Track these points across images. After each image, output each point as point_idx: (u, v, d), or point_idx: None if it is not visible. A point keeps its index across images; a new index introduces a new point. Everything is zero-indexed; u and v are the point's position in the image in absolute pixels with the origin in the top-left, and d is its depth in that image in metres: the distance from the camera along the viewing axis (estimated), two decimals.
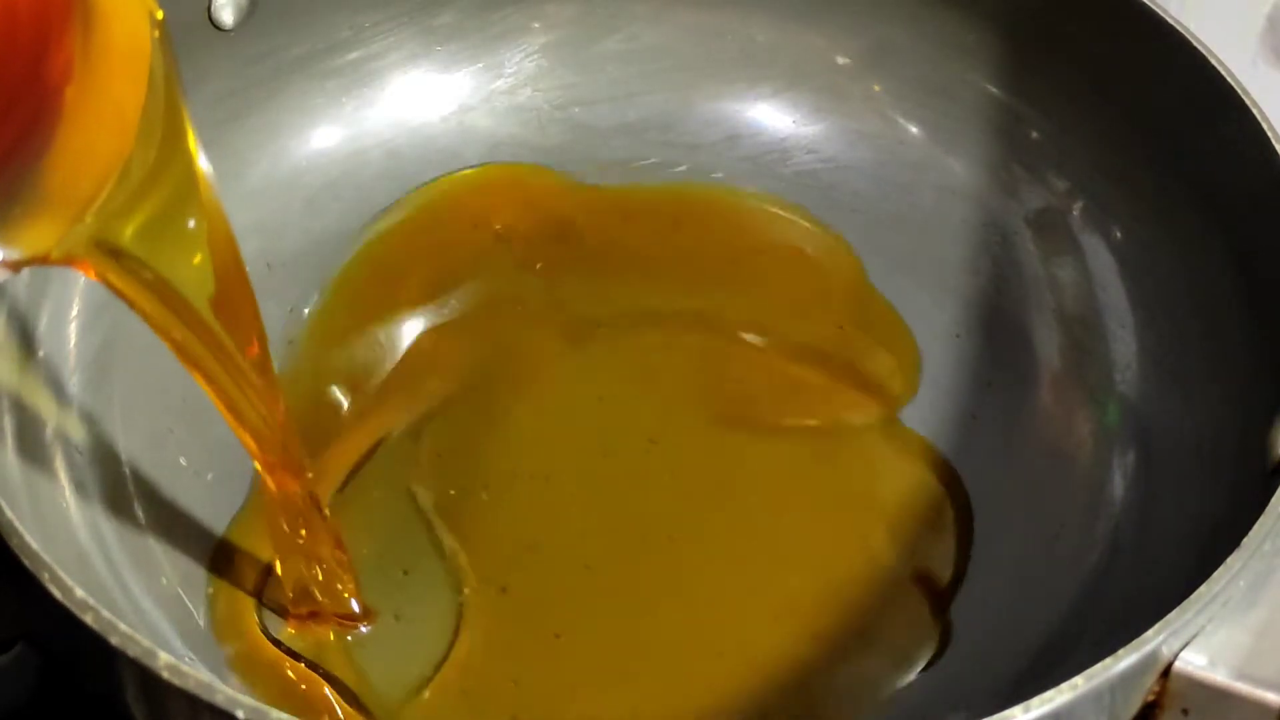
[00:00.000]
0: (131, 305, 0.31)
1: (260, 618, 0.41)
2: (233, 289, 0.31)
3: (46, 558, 0.31)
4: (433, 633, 0.41)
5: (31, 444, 0.40)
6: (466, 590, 0.41)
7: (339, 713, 0.39)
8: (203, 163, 0.30)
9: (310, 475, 0.38)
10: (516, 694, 0.39)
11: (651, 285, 0.50)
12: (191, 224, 0.30)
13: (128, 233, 0.29)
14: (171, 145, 0.29)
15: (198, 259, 0.30)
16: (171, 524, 0.42)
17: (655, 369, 0.47)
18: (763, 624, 0.41)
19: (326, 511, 0.38)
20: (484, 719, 0.39)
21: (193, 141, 0.30)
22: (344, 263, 0.49)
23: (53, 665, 0.37)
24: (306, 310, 0.48)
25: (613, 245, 0.50)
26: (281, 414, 0.34)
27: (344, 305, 0.48)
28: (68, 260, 0.30)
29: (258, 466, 0.37)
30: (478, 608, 0.41)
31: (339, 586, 0.40)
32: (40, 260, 0.29)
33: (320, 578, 0.39)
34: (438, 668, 0.40)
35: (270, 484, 0.37)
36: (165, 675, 0.30)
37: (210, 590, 0.41)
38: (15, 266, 0.30)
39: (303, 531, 0.38)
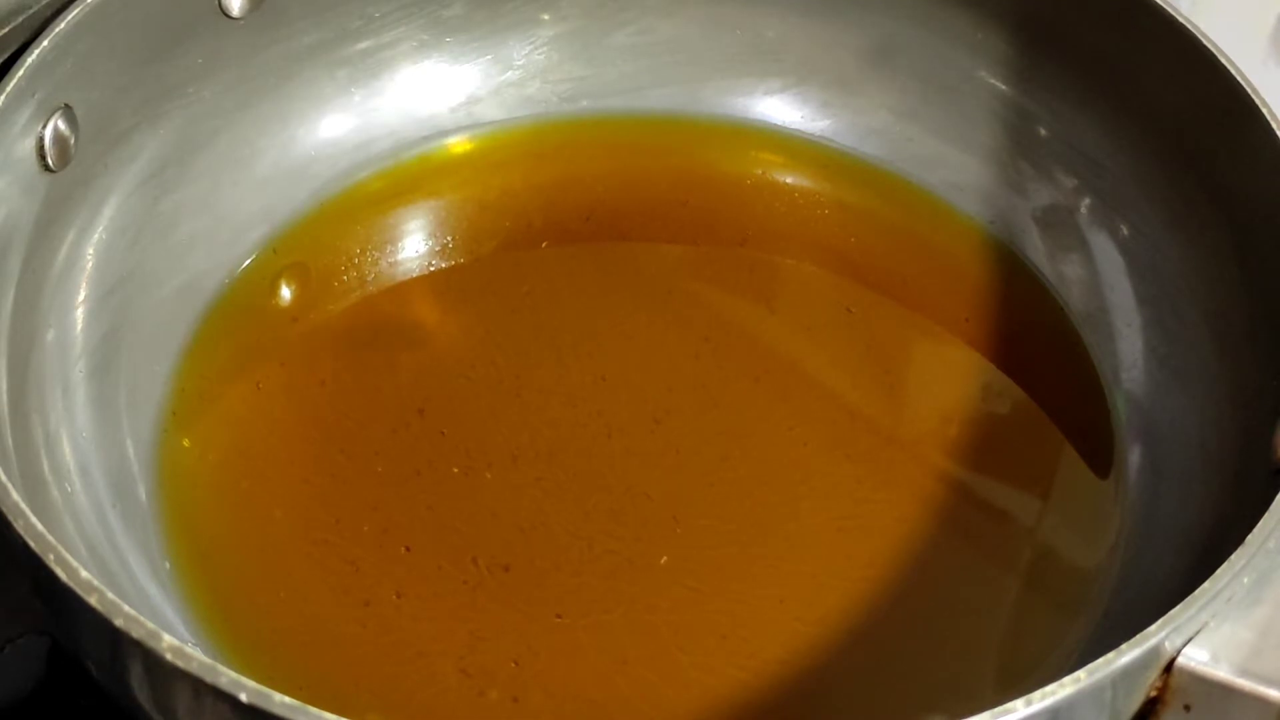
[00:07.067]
0: None
1: None
2: None
3: (52, 539, 0.31)
4: (434, 611, 0.41)
5: (37, 429, 0.40)
6: (469, 568, 0.42)
7: None
8: None
9: None
10: (517, 674, 0.39)
11: (658, 264, 0.50)
12: None
13: None
14: None
15: None
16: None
17: (660, 348, 0.47)
18: (768, 608, 0.41)
19: None
20: (484, 699, 0.39)
21: None
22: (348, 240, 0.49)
23: (61, 652, 0.37)
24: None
25: (619, 224, 0.51)
26: None
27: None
28: None
29: None
30: (480, 586, 0.41)
31: None
32: None
33: None
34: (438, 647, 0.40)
35: None
36: (169, 658, 0.30)
37: None
38: None
39: None
